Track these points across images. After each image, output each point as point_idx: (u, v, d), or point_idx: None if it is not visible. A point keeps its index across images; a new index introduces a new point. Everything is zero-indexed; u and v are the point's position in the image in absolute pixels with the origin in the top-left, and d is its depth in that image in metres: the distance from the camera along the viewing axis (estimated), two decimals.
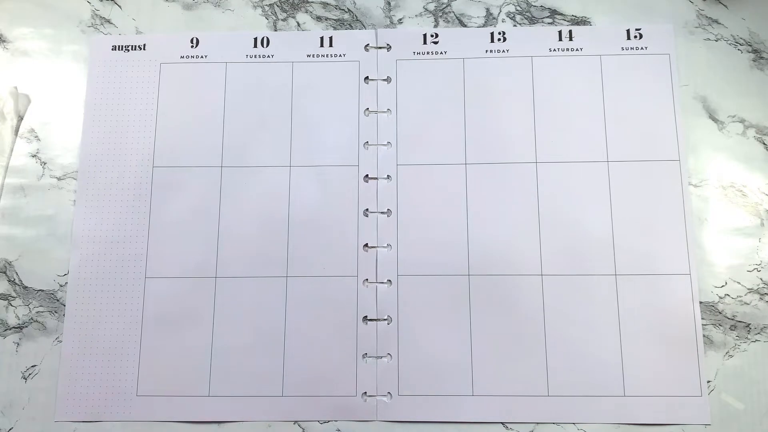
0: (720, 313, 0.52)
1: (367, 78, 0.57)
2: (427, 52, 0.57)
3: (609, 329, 0.51)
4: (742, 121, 0.56)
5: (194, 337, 0.52)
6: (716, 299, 0.52)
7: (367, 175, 0.55)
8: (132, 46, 0.58)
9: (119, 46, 0.58)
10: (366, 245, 0.53)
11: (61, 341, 0.52)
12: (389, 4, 0.59)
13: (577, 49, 0.57)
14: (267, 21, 0.59)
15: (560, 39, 0.57)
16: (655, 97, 0.56)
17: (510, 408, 0.50)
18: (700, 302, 0.52)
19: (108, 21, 0.59)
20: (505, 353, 0.51)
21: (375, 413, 0.51)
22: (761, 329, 0.52)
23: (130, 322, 0.52)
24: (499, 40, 0.57)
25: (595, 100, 0.56)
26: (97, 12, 0.60)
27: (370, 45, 0.58)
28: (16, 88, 0.57)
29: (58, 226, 0.55)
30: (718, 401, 0.50)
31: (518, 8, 0.59)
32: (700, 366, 0.50)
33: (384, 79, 0.57)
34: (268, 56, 0.58)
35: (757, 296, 0.52)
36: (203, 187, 0.55)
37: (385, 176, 0.55)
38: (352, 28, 0.59)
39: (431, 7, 0.59)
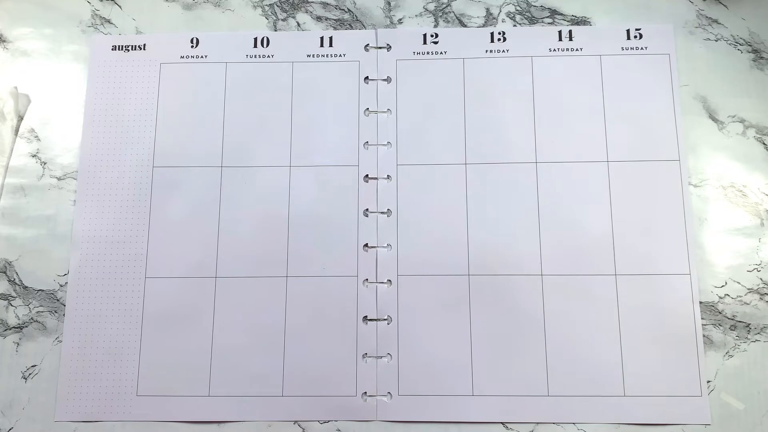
0: (720, 313, 0.52)
1: (367, 78, 0.57)
2: (427, 52, 0.57)
3: (609, 329, 0.51)
4: (742, 121, 0.56)
5: (194, 337, 0.52)
6: (716, 299, 0.52)
7: (367, 175, 0.55)
8: (132, 46, 0.58)
9: (119, 46, 0.58)
10: (366, 245, 0.53)
11: (61, 341, 0.52)
12: (389, 4, 0.59)
13: (577, 49, 0.57)
14: (267, 21, 0.59)
15: (560, 39, 0.57)
16: (655, 97, 0.56)
17: (510, 408, 0.50)
18: (700, 302, 0.52)
19: (108, 21, 0.59)
20: (505, 353, 0.51)
21: (375, 413, 0.51)
22: (761, 329, 0.52)
23: (130, 322, 0.52)
24: (499, 40, 0.57)
25: (595, 100, 0.56)
26: (97, 12, 0.60)
27: (370, 45, 0.58)
28: (16, 88, 0.57)
29: (58, 226, 0.55)
30: (718, 401, 0.50)
31: (518, 8, 0.59)
32: (699, 366, 0.50)
33: (384, 79, 0.57)
34: (268, 56, 0.58)
35: (757, 296, 0.52)
36: (203, 187, 0.55)
37: (385, 176, 0.55)
38: (352, 28, 0.59)
39: (431, 7, 0.59)
